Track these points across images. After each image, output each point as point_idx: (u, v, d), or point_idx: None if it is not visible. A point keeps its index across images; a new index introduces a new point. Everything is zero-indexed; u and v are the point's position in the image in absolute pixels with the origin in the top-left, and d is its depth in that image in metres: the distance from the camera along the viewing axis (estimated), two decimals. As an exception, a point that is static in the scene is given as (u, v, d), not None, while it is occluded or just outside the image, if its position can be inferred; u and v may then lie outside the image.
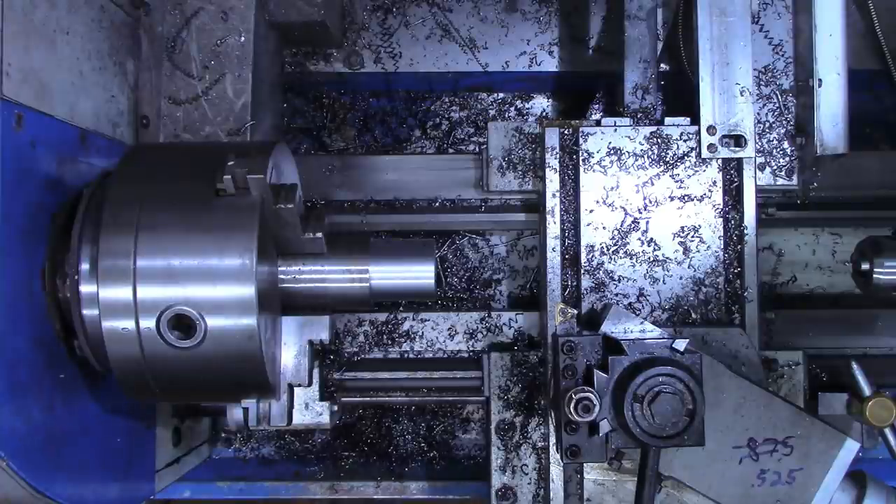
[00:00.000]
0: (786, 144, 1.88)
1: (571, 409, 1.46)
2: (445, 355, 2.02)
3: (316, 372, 1.82)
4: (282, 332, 1.71)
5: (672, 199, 1.72)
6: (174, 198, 1.48)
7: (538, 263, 2.04)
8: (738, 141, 1.72)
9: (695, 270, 1.72)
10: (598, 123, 1.75)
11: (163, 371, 1.47)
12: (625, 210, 1.73)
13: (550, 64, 2.21)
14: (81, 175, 1.67)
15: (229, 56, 1.91)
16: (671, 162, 1.72)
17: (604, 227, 1.73)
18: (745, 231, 1.72)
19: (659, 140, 1.72)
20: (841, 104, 1.79)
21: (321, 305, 1.72)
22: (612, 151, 1.73)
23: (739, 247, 1.72)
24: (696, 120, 1.72)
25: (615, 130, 1.73)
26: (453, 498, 2.14)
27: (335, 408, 1.90)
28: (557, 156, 1.75)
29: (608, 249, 1.72)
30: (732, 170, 1.73)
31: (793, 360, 1.78)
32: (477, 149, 2.26)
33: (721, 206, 1.72)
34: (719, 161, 1.72)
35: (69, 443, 1.57)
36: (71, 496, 1.58)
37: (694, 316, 1.72)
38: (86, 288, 1.51)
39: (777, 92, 1.88)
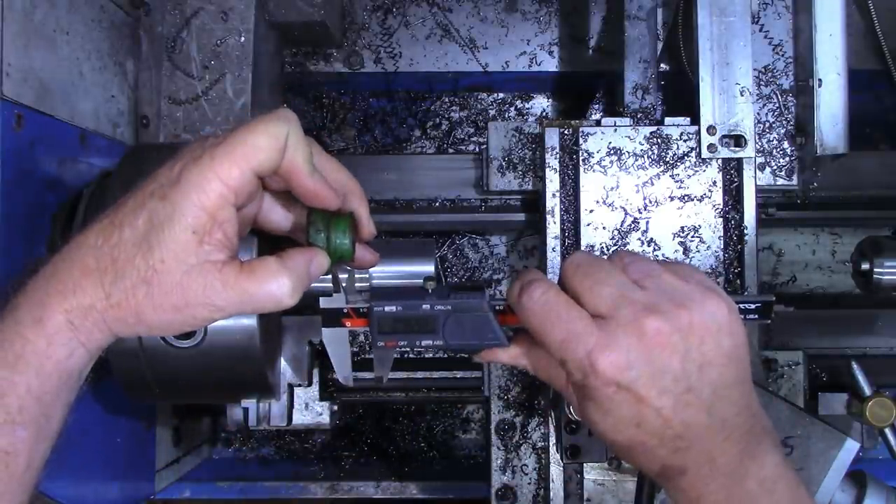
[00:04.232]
0: (786, 144, 1.88)
1: (571, 409, 1.46)
2: (445, 355, 2.02)
3: (316, 372, 1.82)
4: (282, 332, 1.71)
5: (672, 199, 1.72)
6: (174, 197, 1.47)
7: (538, 263, 2.04)
8: (738, 141, 1.72)
9: (695, 270, 1.72)
10: (598, 123, 1.75)
11: (163, 371, 1.47)
12: (625, 210, 1.72)
13: (550, 64, 2.20)
14: (81, 175, 1.67)
15: (229, 56, 1.91)
16: (671, 162, 1.72)
17: (604, 227, 1.73)
18: (745, 231, 1.72)
19: (659, 140, 1.72)
20: (841, 104, 1.79)
21: (321, 305, 1.72)
22: (612, 151, 1.73)
23: (739, 247, 1.72)
24: (696, 120, 1.72)
25: (615, 130, 1.73)
26: (453, 498, 2.14)
27: (335, 408, 1.90)
28: (557, 156, 1.75)
29: (608, 249, 1.72)
30: (732, 170, 1.73)
31: (793, 360, 1.78)
32: (477, 149, 2.26)
33: (721, 206, 1.72)
34: (719, 161, 1.72)
35: (69, 443, 1.57)
36: (71, 496, 1.58)
37: (694, 316, 1.72)
38: (86, 288, 1.50)
39: (777, 92, 1.88)
